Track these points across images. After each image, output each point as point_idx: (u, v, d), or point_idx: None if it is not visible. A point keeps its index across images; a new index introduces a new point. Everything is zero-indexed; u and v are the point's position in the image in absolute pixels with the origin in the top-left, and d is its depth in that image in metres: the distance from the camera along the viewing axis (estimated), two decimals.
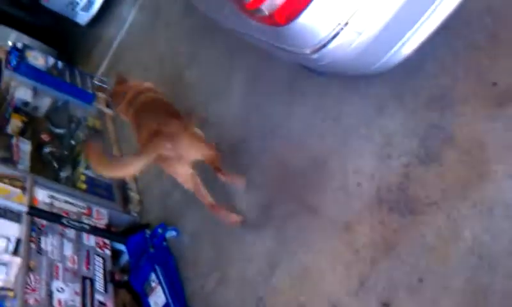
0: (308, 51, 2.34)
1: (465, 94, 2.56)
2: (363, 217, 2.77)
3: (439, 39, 2.72)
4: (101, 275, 4.06)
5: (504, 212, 2.20)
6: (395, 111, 2.84)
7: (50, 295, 3.68)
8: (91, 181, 5.03)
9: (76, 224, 4.13)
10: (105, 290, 3.99)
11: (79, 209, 4.49)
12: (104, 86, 6.45)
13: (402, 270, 2.46)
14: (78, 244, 4.17)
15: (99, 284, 3.99)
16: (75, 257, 4.06)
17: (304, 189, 3.19)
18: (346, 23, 2.20)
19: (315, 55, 2.34)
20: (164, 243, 4.10)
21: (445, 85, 2.66)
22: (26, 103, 5.76)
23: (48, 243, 4.02)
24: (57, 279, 3.82)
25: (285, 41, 2.42)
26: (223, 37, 4.52)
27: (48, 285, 3.72)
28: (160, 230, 4.10)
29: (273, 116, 3.72)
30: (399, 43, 2.38)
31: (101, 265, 4.13)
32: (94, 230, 4.26)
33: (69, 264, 3.98)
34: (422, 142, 2.64)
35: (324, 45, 2.27)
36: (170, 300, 3.69)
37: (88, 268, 4.04)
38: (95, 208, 4.59)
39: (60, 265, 3.93)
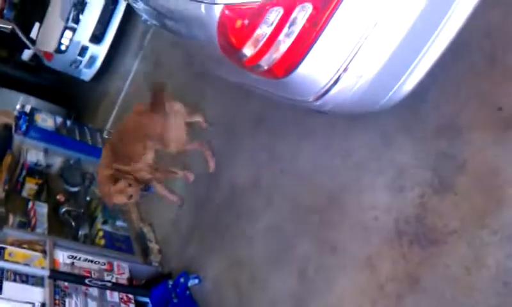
0: (310, 99, 2.40)
1: (472, 120, 2.59)
2: (383, 251, 2.78)
3: (439, 67, 2.77)
4: None
5: None
6: (404, 143, 2.87)
7: None
8: (109, 236, 5.08)
9: (98, 282, 4.15)
10: None
11: (100, 266, 4.52)
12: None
13: (429, 303, 2.46)
14: (102, 301, 4.18)
15: None
16: None
17: (322, 228, 3.21)
18: (346, 69, 2.25)
19: (318, 102, 2.39)
20: (187, 292, 4.12)
21: (451, 112, 2.69)
22: (39, 165, 5.85)
23: (73, 304, 4.03)
24: None
25: (287, 91, 2.48)
26: (226, 85, 4.60)
27: None
28: (182, 279, 4.12)
29: (282, 155, 3.77)
30: (400, 81, 2.42)
31: None
32: (117, 286, 4.28)
33: None
34: (434, 172, 2.66)
35: (326, 92, 2.33)
36: None
37: None
38: (115, 263, 4.61)
39: None
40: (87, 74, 8.46)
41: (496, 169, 2.40)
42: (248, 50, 2.33)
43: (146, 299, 4.39)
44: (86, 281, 4.12)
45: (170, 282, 4.21)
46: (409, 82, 2.47)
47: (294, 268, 3.29)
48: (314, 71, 2.29)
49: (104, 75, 8.44)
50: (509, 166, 2.35)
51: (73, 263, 4.43)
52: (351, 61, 2.25)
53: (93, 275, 4.32)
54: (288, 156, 3.70)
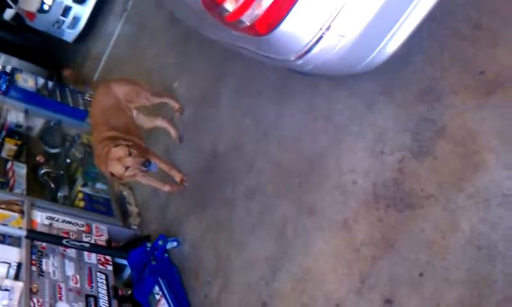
0: (292, 58, 2.34)
1: (453, 85, 2.56)
2: (360, 214, 2.77)
3: (424, 31, 2.73)
4: (105, 292, 4.05)
5: (500, 200, 2.20)
6: (386, 107, 2.85)
7: None
8: (88, 198, 5.04)
9: (76, 243, 4.12)
10: (110, 306, 3.98)
11: (78, 228, 4.49)
12: None
13: (403, 265, 2.46)
14: (80, 262, 4.17)
15: (103, 301, 3.98)
16: (78, 276, 4.05)
17: (301, 190, 3.19)
18: (328, 28, 2.20)
19: (300, 61, 2.34)
20: (166, 254, 4.10)
21: (433, 77, 2.66)
22: (19, 126, 5.75)
23: (50, 264, 4.02)
24: (61, 300, 3.81)
25: (269, 49, 2.42)
26: (210, 45, 4.52)
27: None
28: (160, 242, 4.09)
29: (265, 118, 3.73)
30: (383, 42, 2.38)
31: (104, 282, 4.13)
32: (95, 248, 4.25)
33: (72, 284, 3.97)
34: (414, 136, 2.64)
35: (308, 51, 2.27)
36: None
37: (91, 286, 4.03)
38: (94, 225, 4.59)
39: (63, 285, 3.92)
40: (70, 35, 8.30)
41: (475, 134, 2.38)
42: (230, 5, 2.27)
43: (125, 261, 4.37)
44: (64, 241, 4.08)
45: (148, 244, 4.19)
46: (392, 44, 2.43)
47: (273, 231, 3.29)
48: (297, 29, 2.23)
49: (87, 36, 8.28)
50: (488, 131, 2.34)
51: (51, 224, 4.40)
52: (333, 19, 2.19)
53: (71, 236, 4.28)
54: (271, 119, 3.66)
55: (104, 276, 4.18)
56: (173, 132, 4.54)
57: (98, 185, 5.25)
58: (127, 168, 3.59)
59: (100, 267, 4.24)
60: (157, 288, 3.87)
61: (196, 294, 3.76)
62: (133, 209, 4.87)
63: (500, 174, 2.23)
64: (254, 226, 3.44)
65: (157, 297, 3.86)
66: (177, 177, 4.24)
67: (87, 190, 5.14)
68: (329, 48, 2.28)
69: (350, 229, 2.80)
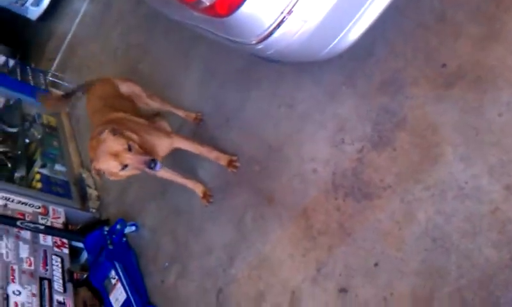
0: (253, 41, 2.29)
1: (415, 76, 2.56)
2: (319, 203, 2.75)
3: (388, 21, 2.72)
4: (59, 275, 3.95)
5: (456, 193, 2.21)
6: (348, 96, 2.83)
7: (6, 298, 3.56)
8: (46, 180, 4.89)
9: (31, 225, 3.99)
10: (64, 289, 3.88)
11: (34, 209, 4.36)
12: (58, 81, 6.27)
13: (359, 255, 2.46)
14: (34, 244, 4.05)
15: (58, 284, 3.87)
16: (32, 258, 3.93)
17: (261, 177, 3.16)
18: (290, 12, 2.15)
19: (261, 46, 2.29)
20: (124, 239, 4.03)
21: (396, 68, 2.65)
22: None
23: (3, 246, 3.89)
24: (14, 282, 3.70)
25: (229, 32, 2.36)
26: (177, 27, 4.43)
27: (4, 289, 3.60)
28: (119, 226, 4.01)
29: (228, 103, 3.68)
30: (345, 29, 2.35)
31: (59, 265, 4.02)
32: (50, 230, 4.14)
33: (25, 266, 3.86)
34: (375, 127, 2.64)
35: (269, 35, 2.22)
36: (131, 297, 3.61)
37: (45, 269, 3.92)
38: (51, 207, 4.46)
39: (16, 267, 3.80)
40: (34, 12, 8.02)
41: (435, 126, 2.39)
42: None
43: (81, 245, 4.27)
44: (18, 223, 3.94)
45: (106, 228, 4.10)
46: (354, 32, 2.40)
47: (232, 217, 3.25)
48: (258, 11, 2.18)
49: (51, 15, 8.03)
50: (447, 124, 2.35)
51: (6, 204, 4.26)
52: (296, 3, 2.15)
53: (26, 218, 4.15)
54: (234, 105, 3.61)
55: (59, 259, 4.07)
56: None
57: (57, 167, 5.11)
58: (124, 166, 2.74)
59: (56, 249, 4.13)
60: (113, 273, 3.79)
61: (153, 279, 3.70)
62: (92, 192, 4.76)
63: (457, 167, 2.24)
64: (213, 212, 3.40)
65: (113, 281, 3.78)
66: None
67: (45, 171, 4.99)
68: (290, 33, 2.23)
69: (308, 217, 2.78)
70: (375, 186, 2.53)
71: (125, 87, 3.60)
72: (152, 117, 3.74)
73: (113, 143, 2.72)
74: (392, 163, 2.50)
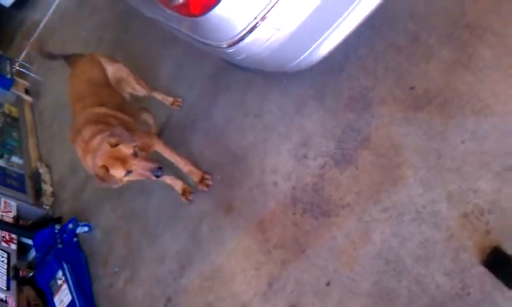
0: (224, 44, 2.21)
1: (384, 96, 2.53)
2: (277, 216, 2.68)
3: (362, 38, 2.70)
4: (4, 272, 3.76)
5: (413, 216, 2.16)
6: (315, 111, 2.78)
7: None
8: (1, 171, 4.70)
9: None
10: (8, 287, 3.69)
11: None
12: (25, 71, 6.09)
13: (311, 273, 2.39)
14: None
15: (1, 281, 3.69)
16: None
17: (222, 186, 3.08)
18: (264, 18, 2.09)
19: (232, 49, 2.21)
20: (75, 239, 3.87)
21: (365, 86, 2.62)
22: None
23: None
24: None
25: (201, 33, 2.28)
26: (151, 26, 4.33)
27: None
28: (71, 225, 3.86)
29: (196, 106, 3.59)
30: (318, 42, 2.29)
31: (5, 261, 3.83)
32: None
33: None
34: (339, 144, 2.59)
35: (241, 39, 2.15)
36: (76, 300, 3.45)
37: None
38: (2, 200, 4.28)
39: None
40: None
41: (398, 148, 2.35)
42: None
43: (31, 241, 4.09)
44: None
45: (57, 227, 3.94)
46: (326, 46, 2.35)
47: (188, 225, 3.15)
48: (232, 13, 2.11)
49: (25, 3, 7.84)
50: (411, 146, 2.31)
51: None
52: (270, 10, 2.08)
53: None
54: (201, 109, 3.53)
55: (5, 255, 3.88)
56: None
57: (14, 159, 4.93)
58: (128, 172, 2.55)
59: (3, 244, 3.94)
60: (60, 273, 3.62)
61: (102, 283, 3.55)
62: (47, 188, 4.59)
63: (416, 190, 2.20)
64: (169, 218, 3.29)
65: (59, 282, 3.62)
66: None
67: (1, 162, 4.80)
68: (262, 40, 2.17)
69: (265, 230, 2.70)
70: (334, 204, 2.47)
71: (113, 70, 3.34)
72: (138, 110, 3.58)
73: (121, 150, 2.51)
74: (353, 182, 2.45)
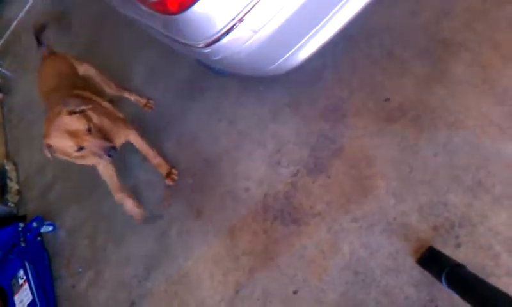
0: (200, 44, 2.19)
1: (358, 107, 2.54)
2: (247, 223, 2.65)
3: (340, 48, 2.71)
4: None
5: (384, 228, 2.16)
6: (290, 118, 2.77)
7: None
8: None
9: None
10: None
11: None
12: None
13: (279, 281, 2.36)
14: None
15: None
16: None
17: (193, 190, 3.04)
18: (241, 20, 2.08)
19: (208, 50, 2.19)
20: (39, 238, 3.77)
21: (340, 96, 2.62)
22: None
23: None
24: None
25: (176, 31, 2.25)
26: (125, 27, 4.30)
27: None
28: (35, 224, 3.75)
29: (170, 109, 3.55)
30: (295, 47, 2.29)
31: None
32: None
33: None
34: (312, 152, 2.59)
35: (218, 39, 2.13)
36: (37, 300, 3.35)
37: None
38: None
39: None
40: None
41: (370, 159, 2.35)
42: None
43: None
44: None
45: (21, 225, 3.82)
46: (304, 51, 2.34)
47: (156, 228, 3.10)
48: (210, 13, 2.08)
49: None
50: (383, 158, 2.32)
51: None
52: (248, 11, 2.07)
53: None
54: (174, 113, 3.48)
55: None
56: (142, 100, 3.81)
57: None
58: (80, 148, 2.51)
59: None
60: (21, 272, 3.51)
61: (64, 283, 3.46)
62: (13, 185, 4.47)
63: (388, 201, 2.20)
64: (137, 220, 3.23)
65: (21, 281, 3.50)
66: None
67: None
68: (239, 41, 2.15)
69: (234, 237, 2.67)
70: (304, 212, 2.45)
71: (83, 69, 3.34)
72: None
73: (73, 121, 2.49)
74: (324, 191, 2.44)
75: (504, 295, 1.59)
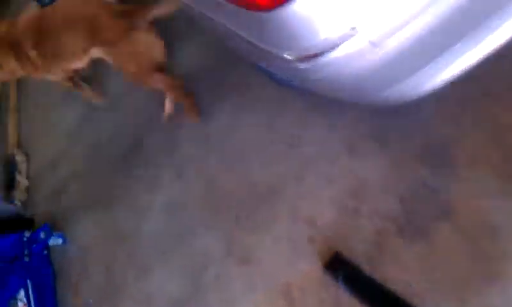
0: (293, 56, 1.56)
1: (471, 155, 1.94)
2: (309, 285, 2.08)
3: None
4: None
5: None
6: (374, 155, 2.18)
7: None
8: None
9: None
10: None
11: None
12: None
13: None
14: None
15: None
16: None
17: (238, 226, 2.46)
18: (353, 28, 1.44)
19: (304, 65, 1.55)
20: (45, 251, 3.23)
21: (449, 135, 2.02)
22: None
23: None
24: None
25: (264, 35, 1.60)
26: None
27: None
28: (42, 234, 3.21)
29: (212, 121, 2.94)
30: (426, 67, 1.63)
31: None
32: None
33: None
34: (405, 205, 1.99)
35: (322, 53, 1.49)
36: None
37: None
38: None
39: None
40: None
41: (495, 230, 1.76)
42: None
43: None
44: None
45: (27, 234, 3.26)
46: (435, 79, 1.67)
47: (188, 265, 2.55)
48: (317, 14, 1.44)
49: None
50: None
51: None
52: (370, 18, 1.43)
53: None
54: (219, 125, 2.89)
55: None
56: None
57: None
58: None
59: None
60: (22, 293, 2.99)
61: None
62: (22, 180, 3.92)
63: None
64: (166, 252, 2.67)
65: (20, 304, 2.99)
66: None
67: None
68: (352, 58, 1.50)
69: (291, 299, 2.10)
70: (393, 284, 1.86)
71: None
72: None
73: None
74: (422, 263, 1.85)
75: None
